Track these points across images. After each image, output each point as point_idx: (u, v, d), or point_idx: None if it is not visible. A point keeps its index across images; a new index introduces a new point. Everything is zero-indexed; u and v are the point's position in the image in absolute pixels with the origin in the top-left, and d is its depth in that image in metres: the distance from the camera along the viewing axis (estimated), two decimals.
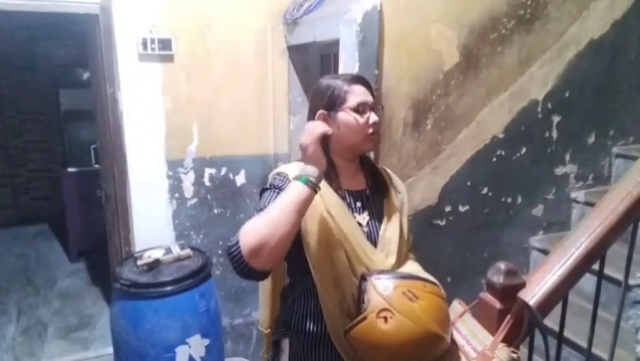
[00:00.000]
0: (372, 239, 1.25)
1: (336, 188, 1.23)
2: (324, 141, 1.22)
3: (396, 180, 1.41)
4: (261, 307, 1.46)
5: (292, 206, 1.03)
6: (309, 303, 1.23)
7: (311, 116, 1.25)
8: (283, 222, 1.01)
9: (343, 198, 1.23)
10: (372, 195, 1.31)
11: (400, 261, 1.27)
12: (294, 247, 1.15)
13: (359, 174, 1.33)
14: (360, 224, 1.24)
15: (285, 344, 1.31)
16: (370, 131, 1.21)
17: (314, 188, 1.07)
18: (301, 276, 1.24)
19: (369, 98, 1.23)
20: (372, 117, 1.21)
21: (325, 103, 1.22)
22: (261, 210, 1.10)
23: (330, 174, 1.22)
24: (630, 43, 2.36)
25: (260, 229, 1.01)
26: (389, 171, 1.43)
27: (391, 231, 1.27)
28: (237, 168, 2.56)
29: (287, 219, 1.02)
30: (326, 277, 1.17)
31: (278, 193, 1.14)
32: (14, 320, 3.40)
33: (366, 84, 1.25)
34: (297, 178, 1.07)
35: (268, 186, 1.23)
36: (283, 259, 1.10)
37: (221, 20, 2.36)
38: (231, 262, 1.03)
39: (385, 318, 1.05)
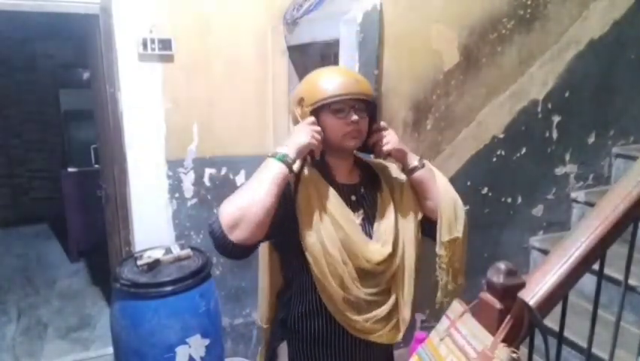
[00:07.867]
0: (367, 232, 1.26)
1: (331, 181, 1.25)
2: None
3: (397, 171, 1.38)
4: (260, 303, 1.46)
5: (268, 180, 1.09)
6: (306, 299, 1.24)
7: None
8: (261, 193, 1.07)
9: (338, 192, 1.24)
10: (367, 190, 1.32)
11: (397, 249, 1.27)
12: (290, 245, 1.19)
13: (354, 170, 1.34)
14: (354, 218, 1.25)
15: (282, 349, 1.31)
16: (349, 129, 1.21)
17: (289, 166, 1.11)
18: (297, 273, 1.25)
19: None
20: (352, 116, 1.21)
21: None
22: None
23: (325, 168, 1.25)
24: (630, 43, 2.36)
25: (238, 200, 1.08)
26: (387, 163, 1.40)
27: (386, 223, 1.28)
28: (237, 168, 2.55)
29: (264, 190, 1.07)
30: (324, 268, 1.18)
31: None
32: (14, 320, 3.40)
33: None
34: (272, 156, 1.12)
35: None
36: (263, 235, 1.11)
37: (221, 20, 2.36)
38: (212, 238, 1.08)
39: None
